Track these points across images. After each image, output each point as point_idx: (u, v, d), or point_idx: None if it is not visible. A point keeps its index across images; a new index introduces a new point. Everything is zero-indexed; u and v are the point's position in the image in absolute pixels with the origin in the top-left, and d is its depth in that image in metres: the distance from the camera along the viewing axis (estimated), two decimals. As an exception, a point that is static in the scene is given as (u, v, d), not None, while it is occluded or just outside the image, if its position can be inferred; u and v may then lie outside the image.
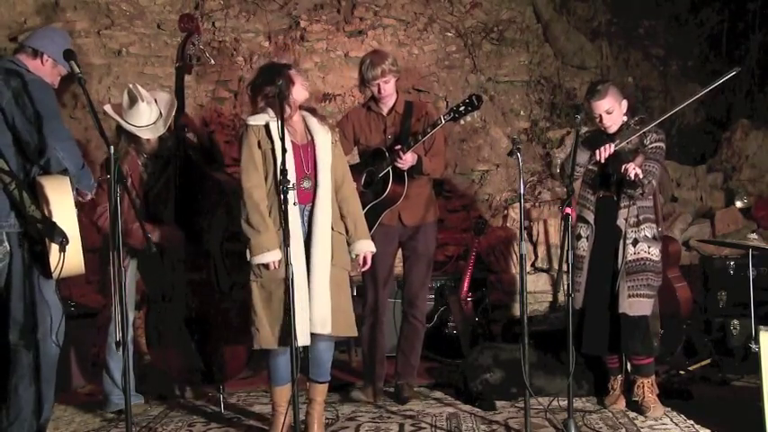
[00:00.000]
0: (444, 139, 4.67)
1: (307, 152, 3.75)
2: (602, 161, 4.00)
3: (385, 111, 4.45)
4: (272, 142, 3.64)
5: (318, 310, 3.63)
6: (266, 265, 3.62)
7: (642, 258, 4.04)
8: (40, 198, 3.34)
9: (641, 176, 3.86)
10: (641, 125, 4.06)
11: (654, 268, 4.06)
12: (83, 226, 3.46)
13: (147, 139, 4.21)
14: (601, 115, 4.07)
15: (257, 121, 3.72)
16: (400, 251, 4.60)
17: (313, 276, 3.64)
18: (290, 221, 3.49)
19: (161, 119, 4.22)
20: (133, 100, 4.16)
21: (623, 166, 3.86)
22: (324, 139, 3.79)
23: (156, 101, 4.24)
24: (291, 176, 3.53)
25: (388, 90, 4.38)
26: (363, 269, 3.99)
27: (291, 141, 3.67)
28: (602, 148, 3.97)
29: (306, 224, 3.69)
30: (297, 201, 3.62)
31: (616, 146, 3.97)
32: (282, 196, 3.37)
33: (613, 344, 4.09)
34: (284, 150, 3.48)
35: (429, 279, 4.69)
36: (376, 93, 4.39)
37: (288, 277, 3.35)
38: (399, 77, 4.51)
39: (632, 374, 4.25)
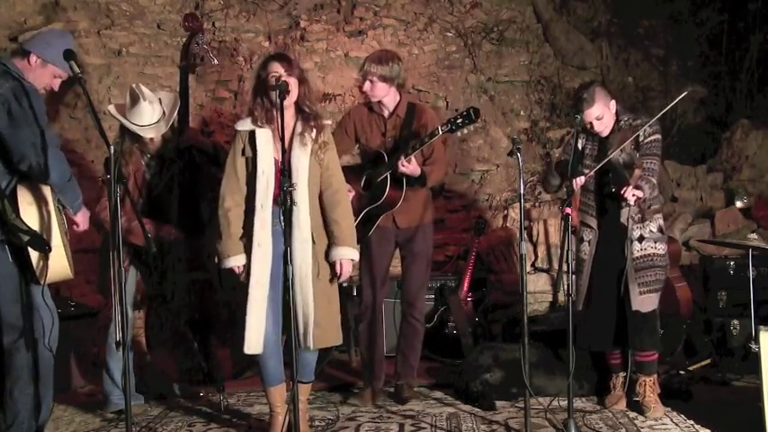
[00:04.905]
0: (444, 144, 4.58)
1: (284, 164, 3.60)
2: (578, 189, 3.97)
3: (386, 113, 4.37)
4: (255, 151, 3.60)
5: (300, 325, 3.60)
6: (232, 270, 3.66)
7: (649, 254, 4.04)
8: (21, 205, 3.32)
9: (641, 197, 3.81)
10: (633, 125, 4.02)
11: (661, 263, 4.07)
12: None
13: (151, 139, 4.20)
14: (591, 123, 4.02)
15: (243, 126, 3.67)
16: (398, 252, 4.58)
17: (294, 291, 3.48)
18: (261, 228, 3.53)
19: (163, 118, 4.21)
20: (135, 99, 4.15)
21: (622, 192, 3.79)
22: (299, 153, 3.61)
23: (159, 100, 4.23)
24: (270, 190, 3.55)
25: (372, 91, 4.28)
26: (340, 279, 3.74)
27: (273, 156, 3.60)
28: (578, 179, 3.91)
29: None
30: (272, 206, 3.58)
31: (593, 170, 3.92)
32: (283, 197, 3.36)
33: (618, 338, 4.10)
34: (284, 150, 3.47)
35: (428, 279, 4.67)
36: (362, 86, 4.33)
37: (288, 278, 3.33)
38: (396, 86, 4.32)
39: (635, 372, 4.24)
